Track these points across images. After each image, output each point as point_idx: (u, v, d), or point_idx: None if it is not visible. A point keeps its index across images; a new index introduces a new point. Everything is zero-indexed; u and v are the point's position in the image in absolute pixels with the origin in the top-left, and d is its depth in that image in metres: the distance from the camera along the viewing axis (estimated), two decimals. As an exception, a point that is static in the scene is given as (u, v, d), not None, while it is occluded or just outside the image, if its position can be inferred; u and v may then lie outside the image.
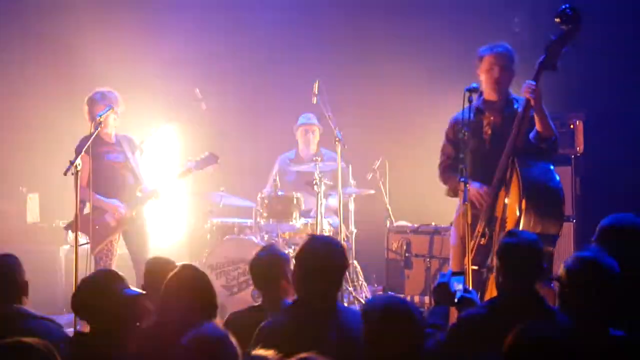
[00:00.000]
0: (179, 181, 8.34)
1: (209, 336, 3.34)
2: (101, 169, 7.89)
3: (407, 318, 3.73)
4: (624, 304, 4.06)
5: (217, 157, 8.34)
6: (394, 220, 9.60)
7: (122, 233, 8.03)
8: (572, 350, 3.28)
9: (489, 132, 6.39)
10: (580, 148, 8.30)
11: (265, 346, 4.04)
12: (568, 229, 8.07)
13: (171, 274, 4.18)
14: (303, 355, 3.09)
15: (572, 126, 8.35)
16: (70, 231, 8.09)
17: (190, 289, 4.09)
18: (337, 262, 4.33)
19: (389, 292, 8.71)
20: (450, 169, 6.62)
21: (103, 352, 3.89)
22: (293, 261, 4.48)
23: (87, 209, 7.95)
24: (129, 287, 4.28)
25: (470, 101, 6.20)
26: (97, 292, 4.16)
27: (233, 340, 3.37)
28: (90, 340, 3.98)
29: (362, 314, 3.90)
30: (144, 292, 4.41)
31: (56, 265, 9.60)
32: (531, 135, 6.19)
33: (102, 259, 7.88)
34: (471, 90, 6.25)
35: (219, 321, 4.12)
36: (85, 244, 7.83)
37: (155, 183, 8.18)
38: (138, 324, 4.21)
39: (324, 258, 4.29)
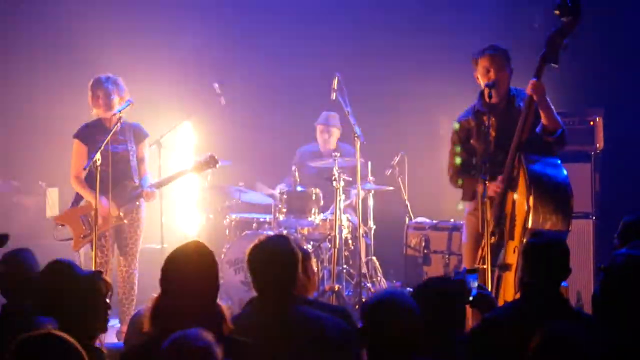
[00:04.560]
0: (176, 182, 7.97)
1: (191, 343, 3.31)
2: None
3: (399, 308, 3.72)
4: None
5: (217, 161, 7.88)
6: (412, 217, 9.60)
7: (114, 231, 7.65)
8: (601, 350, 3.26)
9: (493, 133, 6.35)
10: (599, 145, 8.25)
11: None
12: (587, 226, 8.04)
13: (176, 248, 4.12)
14: None
15: (591, 123, 8.30)
16: (59, 225, 7.76)
17: (195, 263, 4.02)
18: (284, 262, 4.31)
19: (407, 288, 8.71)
20: (460, 173, 6.62)
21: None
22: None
23: (82, 202, 7.73)
24: (81, 269, 4.28)
25: (490, 97, 6.20)
26: (57, 283, 4.12)
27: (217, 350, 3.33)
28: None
29: (361, 307, 3.92)
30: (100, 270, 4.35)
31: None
32: (538, 129, 6.17)
33: (97, 256, 7.30)
34: (490, 87, 6.25)
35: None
36: (68, 239, 7.66)
37: (147, 183, 7.76)
38: (108, 300, 4.19)
39: (270, 258, 4.29)
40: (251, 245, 4.38)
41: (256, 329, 4.08)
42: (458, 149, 6.26)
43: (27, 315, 4.33)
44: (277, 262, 4.29)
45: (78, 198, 7.80)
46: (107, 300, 4.18)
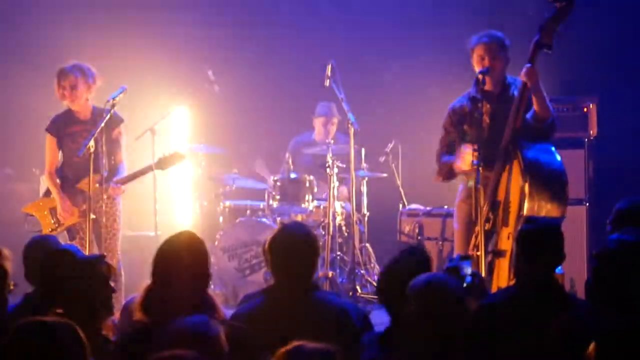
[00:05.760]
0: (141, 179, 7.56)
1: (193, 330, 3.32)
2: (68, 151, 7.33)
3: (449, 295, 3.68)
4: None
5: (183, 157, 7.53)
6: (406, 203, 9.60)
7: (92, 226, 7.05)
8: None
9: (487, 120, 6.37)
10: (593, 131, 8.26)
11: None
12: (581, 213, 8.05)
13: (169, 237, 4.13)
14: (294, 344, 3.05)
15: (585, 109, 8.31)
16: (29, 215, 7.50)
17: (187, 253, 4.04)
18: (308, 249, 4.35)
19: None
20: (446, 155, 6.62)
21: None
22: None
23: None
24: (83, 254, 4.29)
25: (483, 84, 6.21)
26: (60, 269, 4.13)
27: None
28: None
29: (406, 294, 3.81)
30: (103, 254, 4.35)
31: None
32: (528, 115, 6.17)
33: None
34: (484, 73, 6.25)
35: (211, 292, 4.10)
36: (38, 230, 7.31)
37: (121, 173, 7.37)
38: (112, 283, 4.22)
39: (295, 245, 4.32)
40: (271, 235, 4.40)
41: (279, 317, 4.12)
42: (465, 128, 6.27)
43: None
44: (302, 250, 4.32)
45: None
46: (112, 284, 4.19)
